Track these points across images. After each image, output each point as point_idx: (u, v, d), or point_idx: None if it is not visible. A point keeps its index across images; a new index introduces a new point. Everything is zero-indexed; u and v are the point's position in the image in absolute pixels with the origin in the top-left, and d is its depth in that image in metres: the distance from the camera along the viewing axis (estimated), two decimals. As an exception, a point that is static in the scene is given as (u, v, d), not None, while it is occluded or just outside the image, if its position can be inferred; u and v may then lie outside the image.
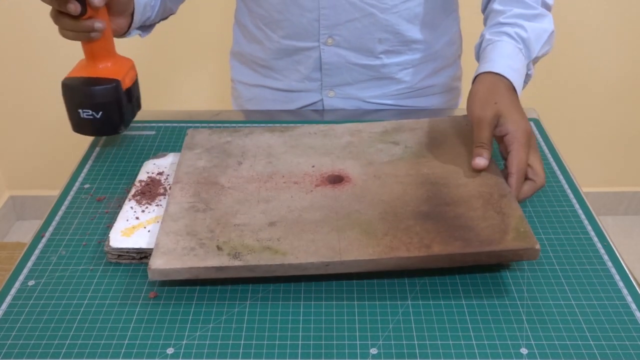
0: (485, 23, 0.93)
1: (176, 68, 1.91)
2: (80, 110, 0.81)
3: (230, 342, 0.61)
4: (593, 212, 0.77)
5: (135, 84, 0.87)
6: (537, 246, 0.64)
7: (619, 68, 1.91)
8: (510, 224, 0.67)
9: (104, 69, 0.82)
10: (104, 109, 0.81)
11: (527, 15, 0.87)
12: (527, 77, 0.87)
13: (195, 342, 0.61)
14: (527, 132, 0.76)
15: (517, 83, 0.82)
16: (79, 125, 0.83)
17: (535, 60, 0.88)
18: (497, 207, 0.70)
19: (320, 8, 0.93)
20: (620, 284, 0.67)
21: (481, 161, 0.75)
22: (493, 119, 0.76)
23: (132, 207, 0.75)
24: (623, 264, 0.70)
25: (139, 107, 0.88)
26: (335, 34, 0.96)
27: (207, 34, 1.81)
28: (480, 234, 0.66)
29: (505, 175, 0.75)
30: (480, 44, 0.89)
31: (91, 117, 0.81)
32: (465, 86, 0.90)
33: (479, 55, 0.89)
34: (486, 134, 0.76)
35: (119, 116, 0.83)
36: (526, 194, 0.74)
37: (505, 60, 0.83)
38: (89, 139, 0.93)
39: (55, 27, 0.81)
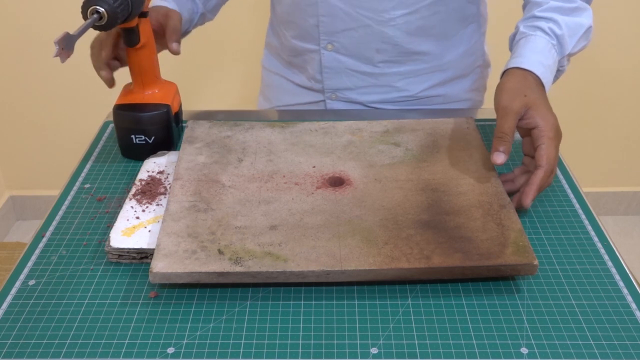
0: (523, 12, 0.91)
1: (179, 68, 1.91)
2: (133, 136, 0.85)
3: (231, 341, 0.61)
4: (593, 212, 0.77)
5: (180, 107, 0.92)
6: (536, 262, 0.65)
7: (619, 68, 1.91)
8: (510, 237, 0.67)
9: (152, 95, 0.87)
10: (156, 133, 0.85)
11: (564, 9, 0.84)
12: (559, 72, 0.86)
13: (196, 341, 0.61)
14: (556, 127, 0.75)
15: (547, 80, 0.81)
16: (130, 150, 0.87)
17: (571, 55, 0.87)
18: (497, 219, 0.70)
19: (319, 15, 0.95)
20: (620, 284, 0.67)
21: (499, 157, 0.74)
22: (520, 109, 0.75)
23: (132, 207, 0.75)
24: (623, 264, 0.70)
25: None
26: (334, 40, 0.97)
27: (220, 41, 1.81)
28: (479, 247, 0.66)
29: (524, 168, 0.76)
30: (514, 35, 0.88)
31: (144, 142, 0.85)
32: (493, 83, 0.88)
33: (512, 46, 0.88)
34: (510, 123, 0.75)
35: (169, 139, 0.87)
36: (543, 189, 0.74)
37: (537, 56, 0.81)
38: (89, 138, 0.93)
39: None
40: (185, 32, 1.02)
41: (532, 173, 0.73)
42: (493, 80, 0.95)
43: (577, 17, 0.85)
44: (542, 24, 0.84)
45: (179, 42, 0.89)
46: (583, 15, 0.86)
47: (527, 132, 0.77)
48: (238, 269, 0.64)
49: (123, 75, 0.89)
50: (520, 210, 0.75)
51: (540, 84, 0.80)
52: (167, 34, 0.88)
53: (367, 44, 0.96)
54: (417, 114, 1.01)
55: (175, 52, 0.88)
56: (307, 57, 1.02)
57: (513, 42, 0.87)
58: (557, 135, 0.75)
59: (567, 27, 0.84)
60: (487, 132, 0.93)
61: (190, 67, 1.79)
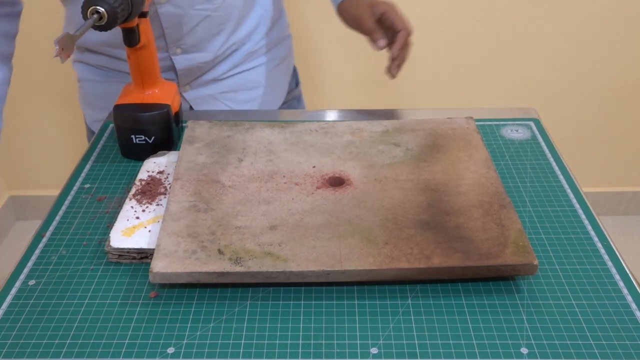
0: None
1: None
2: (133, 136, 0.85)
3: (231, 341, 0.61)
4: (593, 212, 0.77)
5: (181, 107, 0.91)
6: (536, 262, 0.65)
7: (619, 68, 1.91)
8: (510, 237, 0.67)
9: (152, 95, 0.87)
10: (156, 133, 0.85)
11: None
12: None
13: (196, 341, 0.61)
14: (397, 7, 0.96)
15: None
16: (130, 150, 0.87)
17: None
18: (497, 219, 0.70)
19: (163, 28, 0.95)
20: (620, 284, 0.67)
21: (381, 42, 0.93)
22: (368, 10, 0.95)
23: (132, 207, 0.75)
24: (623, 264, 0.70)
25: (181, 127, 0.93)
26: (180, 44, 0.98)
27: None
28: (480, 247, 0.66)
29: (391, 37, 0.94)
30: None
31: (144, 142, 0.85)
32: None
33: None
34: (369, 22, 0.94)
35: (169, 139, 0.87)
36: (409, 48, 0.95)
37: None
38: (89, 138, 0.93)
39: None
40: None
41: (398, 36, 0.93)
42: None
43: None
44: None
45: None
46: None
47: (380, 21, 0.95)
48: (238, 269, 0.64)
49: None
50: (391, 75, 0.96)
51: None
52: None
53: (209, 31, 0.99)
54: (417, 114, 1.01)
55: None
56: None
57: None
58: (401, 12, 0.96)
59: None
60: (487, 132, 0.93)
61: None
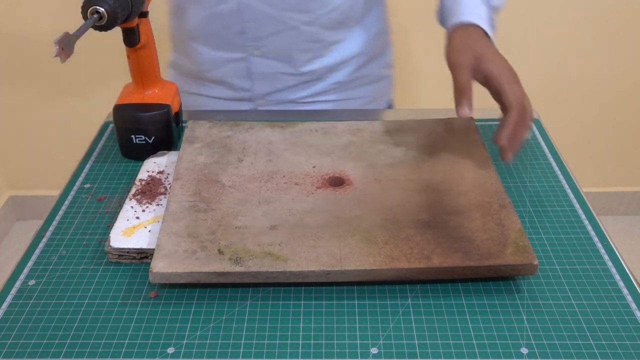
0: None
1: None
2: (133, 136, 0.85)
3: (231, 341, 0.61)
4: (593, 212, 0.77)
5: (180, 107, 0.91)
6: (536, 262, 0.65)
7: (619, 68, 1.91)
8: (510, 237, 0.67)
9: (152, 95, 0.87)
10: (156, 133, 0.85)
11: None
12: (494, 29, 0.89)
13: (196, 341, 0.61)
14: (510, 70, 0.77)
15: (489, 31, 0.84)
16: (130, 150, 0.87)
17: (496, 12, 0.90)
18: (497, 219, 0.70)
19: (244, 22, 0.93)
20: (621, 284, 0.67)
21: (464, 110, 0.77)
22: (470, 60, 0.78)
23: (132, 207, 0.75)
24: (623, 264, 0.70)
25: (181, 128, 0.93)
26: (261, 45, 0.96)
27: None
28: (479, 247, 0.66)
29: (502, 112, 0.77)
30: (440, 7, 0.91)
31: (144, 142, 0.85)
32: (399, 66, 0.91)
33: (441, 17, 0.91)
34: (465, 77, 0.77)
35: (169, 139, 0.87)
36: (522, 134, 0.76)
37: (472, 9, 0.85)
38: (89, 138, 0.93)
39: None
40: None
41: (505, 117, 0.76)
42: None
43: None
44: None
45: None
46: None
47: (485, 82, 0.78)
48: (238, 269, 0.64)
49: (122, 75, 0.89)
50: (504, 162, 0.76)
51: (485, 35, 0.83)
52: None
53: (294, 45, 0.96)
54: (417, 114, 1.01)
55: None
56: (230, 68, 1.00)
57: (441, 11, 0.91)
58: (514, 77, 0.77)
59: None
60: (487, 132, 0.93)
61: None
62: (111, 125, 0.95)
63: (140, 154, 0.86)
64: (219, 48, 0.99)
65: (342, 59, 1.01)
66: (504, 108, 0.76)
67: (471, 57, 0.78)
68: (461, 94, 0.77)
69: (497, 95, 0.77)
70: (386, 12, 1.06)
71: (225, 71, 1.01)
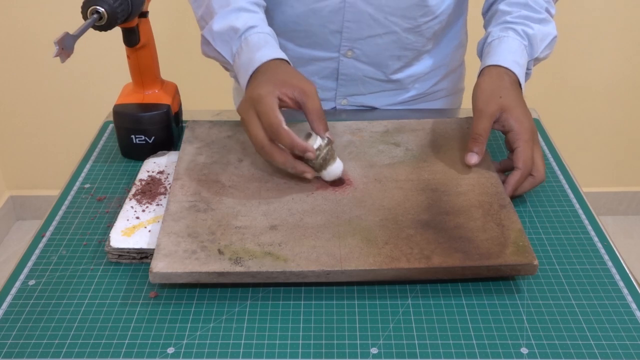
0: (487, 24, 0.93)
1: (179, 68, 1.91)
2: (133, 136, 0.85)
3: (231, 341, 0.61)
4: (593, 212, 0.77)
5: (180, 107, 0.91)
6: (536, 262, 0.65)
7: (619, 68, 1.91)
8: (510, 237, 0.67)
9: (152, 95, 0.87)
10: (156, 133, 0.85)
11: (533, 18, 0.87)
12: (527, 75, 0.88)
13: (196, 341, 0.61)
14: (531, 129, 0.77)
15: (522, 78, 0.83)
16: (130, 150, 0.87)
17: (536, 62, 0.89)
18: (497, 219, 0.70)
19: (344, 21, 0.92)
20: (620, 284, 0.67)
21: (472, 158, 0.78)
22: (495, 112, 0.78)
23: (132, 207, 0.75)
24: (623, 264, 0.70)
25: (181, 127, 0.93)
26: (355, 47, 0.95)
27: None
28: (479, 247, 0.66)
29: (508, 167, 0.77)
30: (485, 39, 0.89)
31: (144, 142, 0.85)
32: (470, 82, 0.90)
33: (482, 51, 0.90)
34: (485, 126, 0.78)
35: (169, 139, 0.87)
36: (525, 189, 0.77)
37: (512, 55, 0.84)
38: (89, 138, 0.93)
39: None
40: None
41: (511, 173, 0.76)
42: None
43: (545, 26, 0.88)
44: (515, 26, 0.87)
45: (326, 128, 0.75)
46: (549, 26, 0.89)
47: (505, 134, 0.79)
48: (238, 269, 0.64)
49: (122, 75, 0.89)
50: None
51: (516, 83, 0.82)
52: (311, 119, 0.75)
53: (389, 51, 0.95)
54: (417, 114, 1.01)
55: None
56: (316, 66, 0.98)
57: (483, 46, 0.89)
58: (532, 136, 0.77)
59: (539, 32, 0.87)
60: (487, 132, 0.93)
61: (190, 67, 1.79)
62: (111, 125, 0.95)
63: (140, 154, 0.86)
64: (308, 46, 0.96)
65: (426, 69, 1.00)
66: (513, 164, 0.77)
67: (497, 108, 0.78)
68: (475, 142, 0.78)
69: (511, 149, 0.78)
70: (466, 25, 1.05)
71: (310, 70, 0.99)
